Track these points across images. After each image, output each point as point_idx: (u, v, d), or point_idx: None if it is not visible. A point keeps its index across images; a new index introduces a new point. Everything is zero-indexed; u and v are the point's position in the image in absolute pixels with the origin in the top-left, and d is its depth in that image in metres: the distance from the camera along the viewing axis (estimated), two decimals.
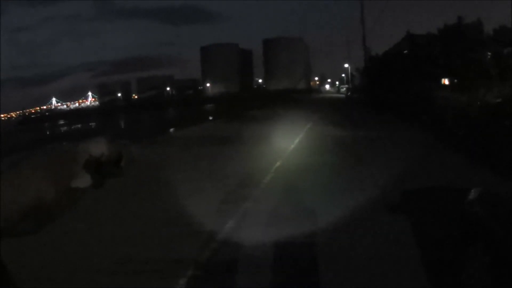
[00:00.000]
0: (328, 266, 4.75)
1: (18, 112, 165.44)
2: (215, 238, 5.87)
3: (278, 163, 11.34)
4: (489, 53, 24.74)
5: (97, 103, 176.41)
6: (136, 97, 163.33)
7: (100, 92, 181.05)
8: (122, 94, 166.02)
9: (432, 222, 5.82)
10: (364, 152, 12.65)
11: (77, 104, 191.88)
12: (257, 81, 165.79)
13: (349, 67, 75.87)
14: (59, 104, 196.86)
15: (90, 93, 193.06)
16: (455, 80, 25.71)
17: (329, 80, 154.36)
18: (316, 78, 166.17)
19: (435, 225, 5.69)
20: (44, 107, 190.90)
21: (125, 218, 7.09)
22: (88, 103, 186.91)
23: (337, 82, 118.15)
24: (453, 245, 4.53)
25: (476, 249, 3.64)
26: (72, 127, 45.83)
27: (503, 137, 9.44)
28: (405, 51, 33.46)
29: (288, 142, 14.89)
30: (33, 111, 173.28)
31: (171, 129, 26.82)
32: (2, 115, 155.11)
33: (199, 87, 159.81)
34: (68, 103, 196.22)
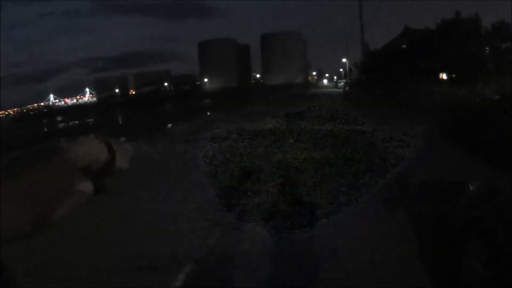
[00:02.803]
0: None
1: (16, 109, 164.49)
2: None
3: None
4: (487, 48, 24.72)
5: (94, 99, 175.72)
6: (133, 92, 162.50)
7: (97, 88, 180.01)
8: (119, 90, 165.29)
9: (430, 217, 5.82)
10: None
11: (74, 100, 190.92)
12: (255, 76, 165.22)
13: (347, 62, 75.75)
14: (56, 100, 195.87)
15: (87, 89, 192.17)
16: (453, 75, 25.72)
17: (327, 75, 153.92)
18: (314, 73, 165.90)
19: (433, 219, 5.68)
20: (42, 103, 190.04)
21: (124, 216, 7.10)
22: (86, 99, 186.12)
23: (335, 77, 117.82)
24: (452, 240, 4.52)
25: (475, 244, 3.64)
26: (70, 124, 45.64)
27: (502, 133, 9.44)
28: (403, 46, 33.41)
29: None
30: (31, 107, 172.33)
31: (169, 125, 26.79)
32: (0, 112, 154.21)
33: (197, 82, 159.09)
34: (66, 100, 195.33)
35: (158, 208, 7.75)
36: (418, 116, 17.17)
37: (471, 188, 4.12)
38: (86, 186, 0.88)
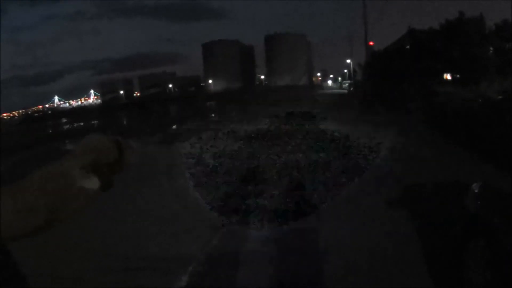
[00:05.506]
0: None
1: (20, 111, 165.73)
2: None
3: None
4: (491, 48, 24.65)
5: (99, 101, 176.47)
6: (138, 94, 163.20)
7: (102, 90, 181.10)
8: (124, 92, 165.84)
9: (433, 217, 5.83)
10: None
11: (79, 102, 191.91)
12: (259, 77, 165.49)
13: (351, 63, 75.74)
14: (61, 102, 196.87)
15: (92, 91, 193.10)
16: (457, 76, 25.66)
17: (331, 76, 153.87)
18: (318, 74, 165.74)
19: (436, 220, 5.70)
20: (47, 105, 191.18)
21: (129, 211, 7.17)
22: (91, 101, 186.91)
23: (339, 78, 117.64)
24: (454, 240, 4.54)
25: (477, 244, 3.65)
26: (75, 125, 45.82)
27: (505, 133, 9.42)
28: (407, 47, 33.33)
29: None
30: (35, 109, 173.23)
31: (173, 126, 26.89)
32: (4, 115, 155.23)
33: (201, 84, 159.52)
34: (71, 101, 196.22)
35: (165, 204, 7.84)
36: (421, 116, 17.18)
37: (473, 188, 4.13)
38: (94, 182, 0.92)
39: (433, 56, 26.00)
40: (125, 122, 43.21)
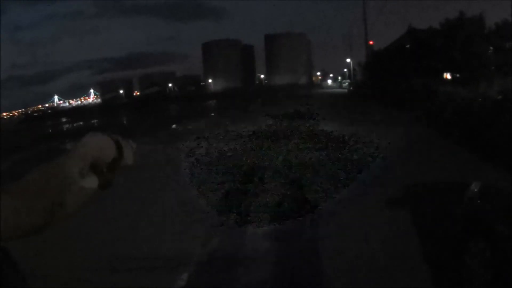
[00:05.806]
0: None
1: (20, 111, 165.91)
2: None
3: None
4: (491, 48, 24.64)
5: (99, 100, 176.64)
6: (137, 93, 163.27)
7: (102, 89, 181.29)
8: (124, 91, 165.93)
9: (433, 217, 5.83)
10: None
11: (79, 102, 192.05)
12: (259, 76, 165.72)
13: (351, 62, 75.85)
14: (61, 102, 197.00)
15: (92, 91, 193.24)
16: (457, 75, 25.64)
17: (331, 75, 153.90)
18: (318, 73, 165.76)
19: (436, 220, 5.70)
20: (47, 105, 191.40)
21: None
22: (90, 101, 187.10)
23: (339, 77, 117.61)
24: (454, 240, 4.54)
25: (477, 244, 3.65)
26: (75, 125, 45.82)
27: (504, 133, 9.42)
28: (407, 46, 33.30)
29: None
30: (35, 109, 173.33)
31: (173, 125, 26.86)
32: (4, 114, 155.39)
33: (201, 84, 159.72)
34: (70, 101, 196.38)
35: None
36: (421, 116, 17.17)
37: (473, 188, 4.12)
38: (93, 181, 0.91)
39: (433, 55, 25.98)
40: (124, 122, 43.16)
